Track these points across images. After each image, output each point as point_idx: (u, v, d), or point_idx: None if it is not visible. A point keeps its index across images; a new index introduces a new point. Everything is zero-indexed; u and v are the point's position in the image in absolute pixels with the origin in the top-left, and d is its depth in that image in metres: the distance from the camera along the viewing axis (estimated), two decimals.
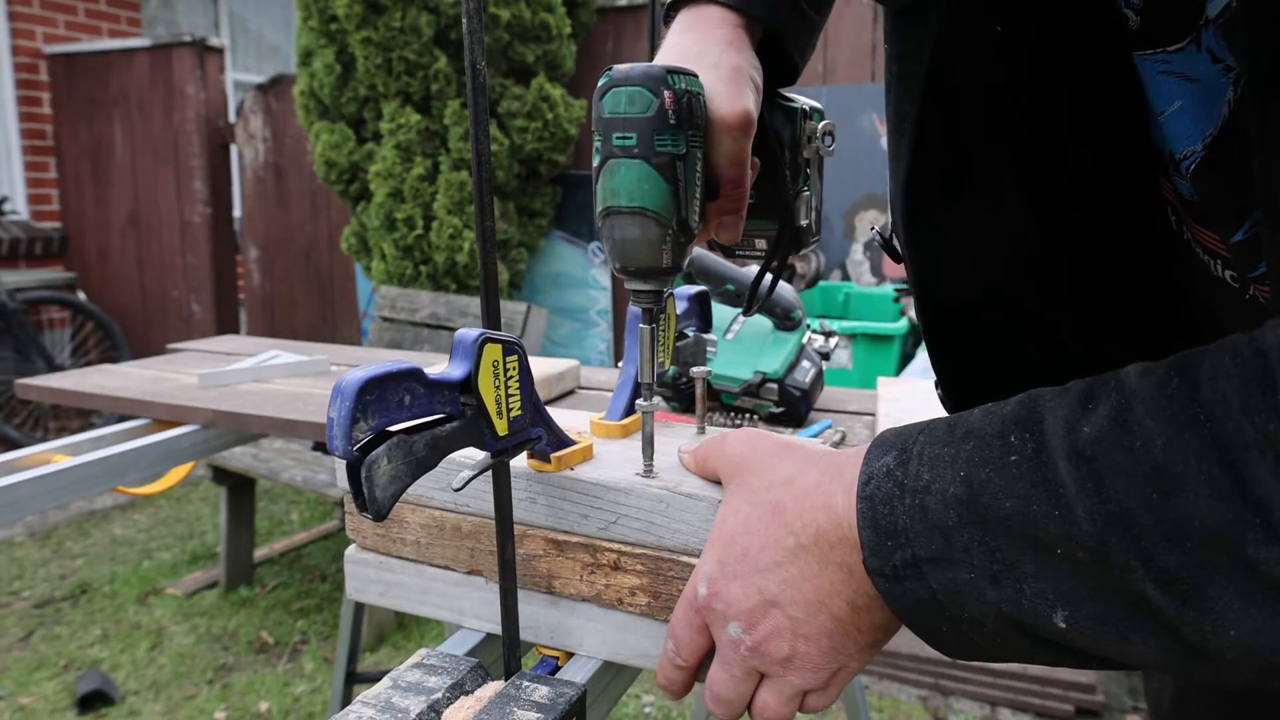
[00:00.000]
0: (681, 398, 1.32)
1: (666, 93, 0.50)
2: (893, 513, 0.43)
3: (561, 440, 0.59)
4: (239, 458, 2.81)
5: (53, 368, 4.45)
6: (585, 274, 3.95)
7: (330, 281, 4.55)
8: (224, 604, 2.87)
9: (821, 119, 0.63)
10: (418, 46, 3.30)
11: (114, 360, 4.55)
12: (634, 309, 0.63)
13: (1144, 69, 0.44)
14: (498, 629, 0.62)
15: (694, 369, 0.66)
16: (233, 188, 4.88)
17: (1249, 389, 0.35)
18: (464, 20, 0.48)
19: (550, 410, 0.59)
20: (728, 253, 0.68)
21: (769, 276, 0.65)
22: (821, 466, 0.49)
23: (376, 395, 0.44)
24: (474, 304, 2.66)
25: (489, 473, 0.53)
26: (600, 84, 0.51)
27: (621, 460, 0.62)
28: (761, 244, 0.65)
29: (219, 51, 4.71)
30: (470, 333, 0.49)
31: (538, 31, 3.44)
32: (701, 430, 0.67)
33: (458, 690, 0.54)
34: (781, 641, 0.48)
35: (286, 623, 2.75)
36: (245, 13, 6.55)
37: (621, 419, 0.68)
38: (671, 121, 0.50)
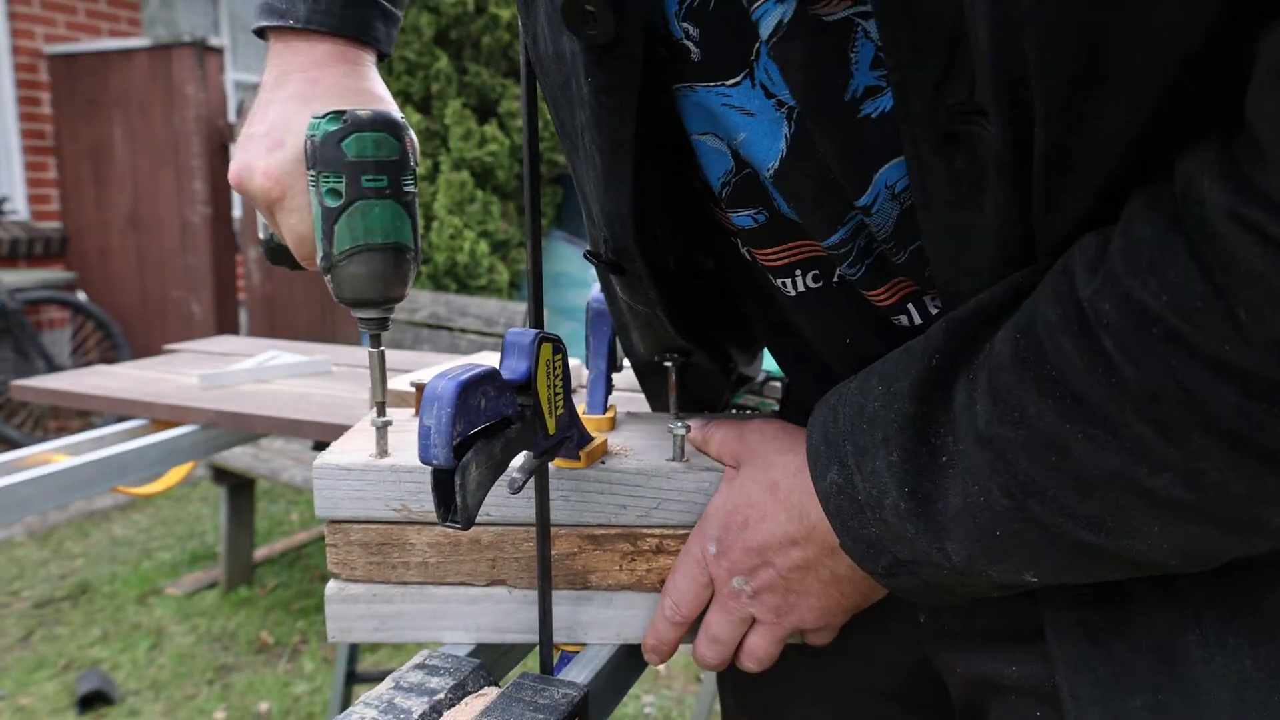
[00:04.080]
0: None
1: (406, 137, 0.55)
2: (862, 525, 0.48)
3: (584, 436, 0.59)
4: (239, 458, 2.81)
5: (53, 368, 4.44)
6: (585, 274, 3.95)
7: None
8: (224, 604, 2.87)
9: None
10: (418, 46, 3.30)
11: (114, 360, 4.55)
12: (594, 304, 0.69)
13: (710, 101, 0.47)
14: (519, 639, 0.61)
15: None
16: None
17: (1079, 342, 0.37)
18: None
19: None
20: None
21: None
22: (803, 452, 0.54)
23: (463, 401, 0.43)
24: (474, 304, 2.65)
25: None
26: (333, 126, 0.53)
27: (642, 448, 0.63)
28: None
29: (219, 51, 4.71)
30: (525, 332, 0.49)
31: None
32: (677, 418, 0.64)
33: (460, 691, 0.54)
34: (775, 595, 0.54)
35: (286, 623, 2.75)
36: (245, 13, 6.55)
37: (604, 411, 0.69)
38: (411, 164, 0.55)
